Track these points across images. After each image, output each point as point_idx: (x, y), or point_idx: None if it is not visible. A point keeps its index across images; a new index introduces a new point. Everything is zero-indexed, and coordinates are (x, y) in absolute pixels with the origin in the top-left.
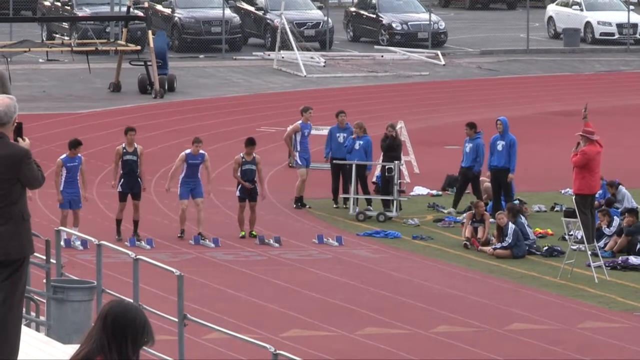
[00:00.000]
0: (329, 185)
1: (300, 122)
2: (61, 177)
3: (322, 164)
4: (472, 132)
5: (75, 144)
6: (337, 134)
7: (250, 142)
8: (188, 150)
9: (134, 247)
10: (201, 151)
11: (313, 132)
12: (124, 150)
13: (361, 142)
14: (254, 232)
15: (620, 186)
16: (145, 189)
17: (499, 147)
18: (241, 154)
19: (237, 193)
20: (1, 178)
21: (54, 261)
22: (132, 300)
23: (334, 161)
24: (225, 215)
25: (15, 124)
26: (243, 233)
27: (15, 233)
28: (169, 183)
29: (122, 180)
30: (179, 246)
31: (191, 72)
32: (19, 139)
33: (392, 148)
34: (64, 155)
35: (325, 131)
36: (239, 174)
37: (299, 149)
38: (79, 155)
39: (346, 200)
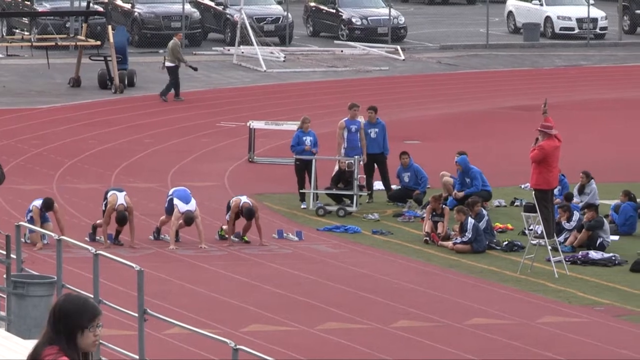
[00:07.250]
0: (290, 180)
1: (345, 119)
2: None
3: (282, 159)
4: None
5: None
6: (369, 130)
7: None
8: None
9: (94, 242)
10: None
11: (272, 127)
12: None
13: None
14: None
15: (592, 180)
16: (135, 246)
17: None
18: None
19: None
20: None
21: (14, 256)
22: (87, 294)
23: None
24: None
25: None
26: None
27: None
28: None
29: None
30: (138, 241)
31: (151, 67)
32: None
33: None
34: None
35: (284, 126)
36: None
37: (345, 145)
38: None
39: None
